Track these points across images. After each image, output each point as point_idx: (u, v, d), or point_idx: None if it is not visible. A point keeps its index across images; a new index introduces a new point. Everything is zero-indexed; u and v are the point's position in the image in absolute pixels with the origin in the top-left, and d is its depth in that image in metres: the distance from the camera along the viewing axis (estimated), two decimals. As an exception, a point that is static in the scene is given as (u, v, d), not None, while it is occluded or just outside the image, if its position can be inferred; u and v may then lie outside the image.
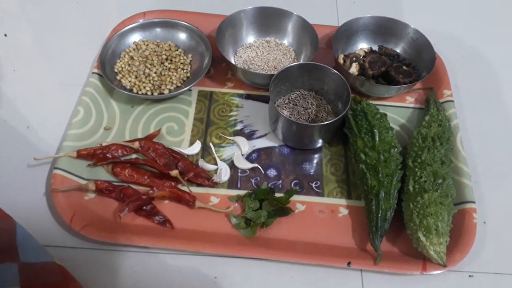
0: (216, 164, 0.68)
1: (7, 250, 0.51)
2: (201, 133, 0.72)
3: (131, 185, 0.65)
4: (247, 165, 0.68)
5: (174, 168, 0.65)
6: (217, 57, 0.77)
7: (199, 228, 0.61)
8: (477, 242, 0.60)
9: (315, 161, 0.70)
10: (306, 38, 0.80)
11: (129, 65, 0.77)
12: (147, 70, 0.76)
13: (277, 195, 0.65)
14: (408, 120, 0.75)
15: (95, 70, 0.75)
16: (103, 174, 0.66)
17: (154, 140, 0.69)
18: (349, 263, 0.58)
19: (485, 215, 0.65)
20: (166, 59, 0.78)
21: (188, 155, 0.69)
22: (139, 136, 0.71)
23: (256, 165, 0.68)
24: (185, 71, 0.77)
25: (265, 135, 0.72)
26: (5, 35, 0.84)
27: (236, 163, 0.68)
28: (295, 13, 0.80)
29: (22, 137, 0.70)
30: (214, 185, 0.66)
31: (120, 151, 0.67)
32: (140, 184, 0.65)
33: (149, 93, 0.73)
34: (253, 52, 0.80)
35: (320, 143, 0.70)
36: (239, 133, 0.72)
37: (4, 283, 0.48)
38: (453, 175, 0.64)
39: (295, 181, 0.67)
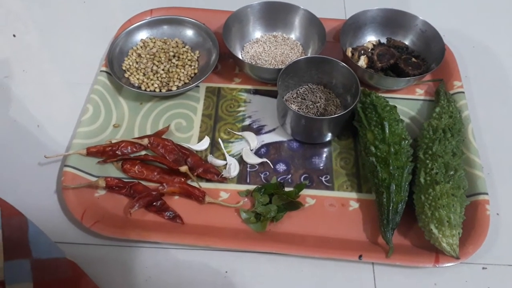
0: (225, 159, 0.68)
1: (20, 246, 0.51)
2: (209, 129, 0.72)
3: (141, 182, 0.65)
4: (256, 160, 0.68)
5: (183, 164, 0.65)
6: (224, 53, 0.77)
7: (209, 223, 0.61)
8: (490, 234, 0.59)
9: (324, 155, 0.69)
10: (313, 32, 0.79)
11: (136, 62, 0.77)
12: (154, 67, 0.76)
13: (287, 189, 0.64)
14: (418, 112, 0.74)
15: (103, 68, 0.75)
16: (113, 171, 0.66)
17: (163, 136, 0.69)
18: (360, 256, 0.57)
19: (498, 207, 0.64)
20: (174, 56, 0.78)
21: (197, 151, 0.69)
22: (148, 133, 0.71)
23: (265, 160, 0.68)
24: (192, 67, 0.77)
25: (273, 129, 0.72)
26: (14, 35, 0.85)
27: (245, 158, 0.68)
28: (301, 7, 0.79)
29: (33, 136, 0.70)
30: (224, 180, 0.66)
31: (129, 148, 0.67)
32: (150, 180, 0.65)
33: (157, 90, 0.74)
34: (260, 47, 0.80)
35: (329, 136, 0.69)
36: (248, 128, 0.72)
37: (17, 279, 0.49)
38: (465, 167, 0.64)
39: (304, 175, 0.67)
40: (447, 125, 0.65)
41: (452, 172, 0.59)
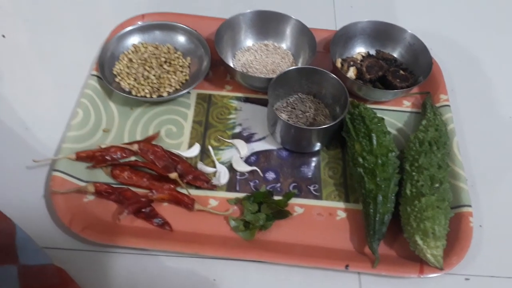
0: (215, 167, 0.68)
1: (7, 252, 0.51)
2: (200, 136, 0.72)
3: (130, 188, 0.65)
4: (245, 168, 0.68)
5: (173, 170, 0.66)
6: (216, 60, 0.78)
7: (198, 231, 0.62)
8: (473, 246, 0.61)
9: (313, 164, 0.70)
10: (304, 42, 0.80)
11: (128, 67, 0.77)
12: (146, 73, 0.76)
13: (276, 198, 0.65)
14: (405, 124, 0.76)
15: (94, 72, 0.75)
16: (102, 176, 0.66)
17: (153, 142, 0.69)
18: (347, 266, 0.58)
19: (481, 219, 0.66)
20: (165, 62, 0.78)
21: (187, 158, 0.69)
22: (138, 138, 0.71)
23: (254, 168, 0.68)
24: (184, 74, 0.77)
25: (263, 138, 0.73)
26: (3, 36, 0.84)
27: (235, 166, 0.68)
28: (293, 17, 0.80)
29: (21, 139, 0.70)
30: (213, 187, 0.66)
31: (119, 153, 0.67)
32: (139, 187, 0.65)
33: (148, 95, 0.74)
34: (252, 55, 0.81)
35: (318, 146, 0.70)
36: (238, 136, 0.73)
37: (4, 285, 0.49)
38: (449, 179, 0.65)
39: (293, 184, 0.68)
40: (433, 138, 0.66)
41: (437, 185, 0.61)
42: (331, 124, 0.66)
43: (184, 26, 0.80)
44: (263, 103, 0.77)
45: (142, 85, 0.75)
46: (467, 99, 0.80)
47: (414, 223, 0.58)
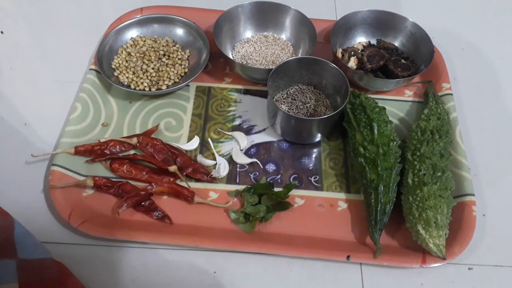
0: (214, 159, 0.68)
1: (5, 247, 0.51)
2: (199, 129, 0.71)
3: (130, 181, 0.64)
4: (245, 160, 0.68)
5: (172, 163, 0.65)
6: (215, 53, 0.77)
7: (198, 224, 0.61)
8: (476, 235, 0.60)
9: (314, 155, 0.69)
10: (304, 33, 0.79)
11: (126, 61, 0.76)
12: (144, 66, 0.75)
13: (276, 189, 0.64)
14: (407, 114, 0.75)
15: (93, 67, 0.75)
16: (101, 170, 0.66)
17: (152, 136, 0.69)
18: (348, 257, 0.58)
19: (484, 208, 0.65)
20: (164, 55, 0.78)
21: (186, 151, 0.69)
22: (137, 132, 0.70)
23: (255, 160, 0.68)
24: (182, 66, 0.77)
25: (263, 130, 0.72)
26: (2, 32, 0.83)
27: (235, 158, 0.68)
28: (292, 7, 0.80)
29: (20, 134, 0.70)
30: (213, 180, 0.66)
31: (118, 147, 0.67)
32: (138, 180, 0.65)
33: (146, 89, 0.73)
34: (251, 47, 0.80)
35: (318, 137, 0.70)
36: (238, 128, 0.72)
37: (2, 279, 0.48)
38: (452, 168, 0.64)
39: (294, 176, 0.67)
40: (435, 126, 0.66)
41: (439, 174, 0.60)
42: (331, 114, 0.65)
43: (183, 19, 0.80)
44: (263, 94, 0.76)
45: (141, 78, 0.74)
46: (470, 87, 0.79)
47: (416, 212, 0.57)
